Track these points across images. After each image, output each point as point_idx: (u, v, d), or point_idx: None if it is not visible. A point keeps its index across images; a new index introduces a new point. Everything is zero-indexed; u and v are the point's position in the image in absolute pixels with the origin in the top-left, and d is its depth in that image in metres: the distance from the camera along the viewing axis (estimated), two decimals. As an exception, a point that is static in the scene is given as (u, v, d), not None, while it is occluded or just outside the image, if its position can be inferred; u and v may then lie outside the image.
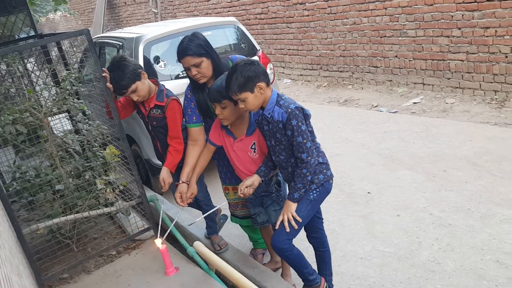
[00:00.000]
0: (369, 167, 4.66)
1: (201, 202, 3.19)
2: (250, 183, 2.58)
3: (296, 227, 2.44)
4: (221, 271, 2.62)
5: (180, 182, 2.78)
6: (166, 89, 3.05)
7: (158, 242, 2.73)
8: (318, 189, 2.49)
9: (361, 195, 4.10)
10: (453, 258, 3.03)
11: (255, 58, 4.97)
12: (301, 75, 8.91)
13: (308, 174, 2.38)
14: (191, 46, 2.67)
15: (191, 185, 2.80)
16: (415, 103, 6.40)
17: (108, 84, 2.88)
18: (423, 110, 6.07)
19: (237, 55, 2.95)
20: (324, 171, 2.50)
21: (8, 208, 2.62)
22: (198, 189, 2.91)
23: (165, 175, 2.89)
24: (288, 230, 2.41)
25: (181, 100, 2.98)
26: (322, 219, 2.77)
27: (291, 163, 2.48)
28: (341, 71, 8.01)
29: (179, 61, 2.75)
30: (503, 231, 3.20)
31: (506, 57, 5.48)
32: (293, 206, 2.44)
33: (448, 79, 6.23)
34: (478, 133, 4.92)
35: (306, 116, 2.39)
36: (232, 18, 5.44)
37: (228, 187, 3.08)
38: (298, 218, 2.42)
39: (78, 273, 3.01)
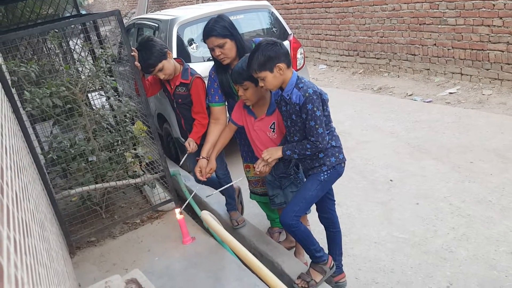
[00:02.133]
0: (394, 155, 4.64)
1: (221, 179, 3.33)
2: (269, 155, 2.61)
3: (265, 171, 2.61)
4: (222, 240, 2.74)
5: (201, 157, 2.93)
6: (191, 68, 3.19)
7: (177, 212, 2.90)
8: (329, 171, 2.55)
9: (383, 182, 4.11)
10: (467, 247, 3.03)
11: (286, 42, 5.02)
12: (337, 61, 8.85)
13: (308, 150, 2.44)
14: (216, 27, 2.77)
15: (210, 160, 2.94)
16: (451, 93, 6.25)
17: (136, 63, 3.05)
18: (458, 100, 5.92)
19: (260, 38, 3.04)
20: (337, 154, 2.55)
21: (42, 174, 2.86)
22: (218, 166, 3.05)
23: (190, 141, 3.09)
24: (267, 170, 2.61)
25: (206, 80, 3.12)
26: (334, 200, 2.84)
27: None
28: (378, 58, 7.89)
29: (204, 42, 2.86)
30: (522, 224, 3.16)
31: (550, 48, 5.25)
32: (278, 152, 2.56)
33: (487, 70, 6.03)
34: (511, 126, 4.78)
35: (323, 101, 2.45)
36: (265, 2, 5.48)
37: (249, 165, 3.20)
38: (271, 163, 2.59)
39: (104, 237, 3.24)
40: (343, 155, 2.60)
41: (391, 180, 4.13)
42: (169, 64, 3.03)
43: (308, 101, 2.36)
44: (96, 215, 3.30)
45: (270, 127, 2.80)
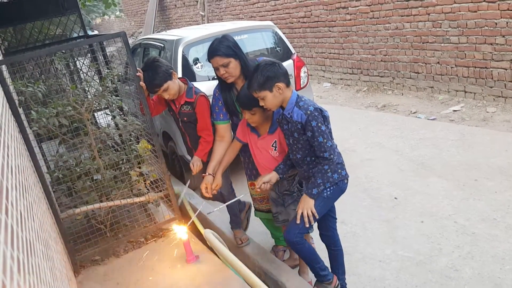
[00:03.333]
0: (399, 173, 4.64)
1: (225, 196, 3.35)
2: (268, 179, 2.71)
3: (313, 222, 2.54)
4: (225, 259, 2.75)
5: (207, 174, 2.96)
6: (195, 87, 3.25)
7: (181, 231, 2.91)
8: (331, 187, 2.56)
9: (387, 200, 4.11)
10: (472, 265, 3.01)
11: (289, 61, 5.08)
12: (341, 79, 8.91)
13: (329, 170, 2.47)
14: (220, 47, 2.83)
15: (216, 177, 2.97)
16: (455, 110, 6.26)
17: (142, 83, 3.10)
18: (462, 118, 5.93)
19: (264, 58, 3.09)
20: (339, 170, 2.57)
21: (48, 193, 2.89)
22: (223, 183, 3.08)
23: (195, 160, 3.13)
24: (307, 225, 2.51)
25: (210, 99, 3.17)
26: (336, 218, 2.84)
27: (307, 162, 2.58)
28: (381, 76, 7.94)
29: (209, 61, 2.92)
30: (527, 242, 3.14)
31: (553, 65, 5.27)
32: (311, 202, 2.51)
33: (491, 87, 6.05)
34: (516, 143, 4.77)
35: (324, 117, 2.48)
36: (269, 22, 5.57)
37: (254, 182, 3.22)
38: (316, 215, 2.51)
39: (108, 256, 3.25)
40: (345, 171, 2.62)
41: (395, 198, 4.12)
42: (174, 84, 3.09)
43: (311, 119, 2.40)
44: (100, 233, 3.31)
45: (272, 145, 2.85)
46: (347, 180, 2.65)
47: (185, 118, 3.24)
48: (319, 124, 2.40)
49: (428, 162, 4.73)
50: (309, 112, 2.41)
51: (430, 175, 4.45)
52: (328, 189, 2.55)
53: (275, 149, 2.85)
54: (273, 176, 2.72)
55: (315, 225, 2.81)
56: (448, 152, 4.88)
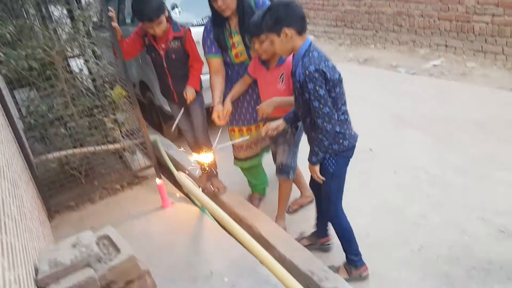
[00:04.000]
0: (378, 126, 4.67)
1: (200, 138, 3.34)
2: (275, 126, 2.61)
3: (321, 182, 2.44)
4: (196, 199, 2.76)
5: (215, 104, 2.93)
6: (175, 21, 3.17)
7: (157, 178, 2.91)
8: (333, 159, 2.37)
9: (363, 152, 4.14)
10: (441, 214, 3.10)
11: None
12: (324, 31, 8.77)
13: (324, 139, 2.23)
14: None
15: (226, 104, 2.93)
16: (435, 65, 6.27)
17: (114, 24, 2.98)
18: (442, 72, 5.94)
19: None
20: (340, 140, 2.31)
21: (18, 137, 2.83)
22: (201, 130, 3.07)
23: (189, 89, 3.13)
24: (320, 181, 2.44)
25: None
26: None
27: (307, 122, 2.38)
28: (365, 29, 7.84)
29: None
30: (496, 192, 3.23)
31: (534, 21, 5.26)
32: (314, 168, 2.39)
33: (471, 41, 6.04)
34: (493, 98, 4.83)
35: (328, 80, 2.15)
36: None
37: (234, 128, 3.22)
38: (321, 178, 2.42)
39: (83, 202, 3.25)
40: (349, 141, 2.34)
41: (370, 150, 4.16)
42: (164, 20, 3.01)
43: (308, 80, 2.13)
44: (75, 181, 3.29)
45: (280, 78, 2.79)
46: (351, 150, 2.40)
47: (173, 55, 3.17)
48: (317, 87, 2.12)
49: (407, 115, 4.77)
50: (307, 72, 2.13)
51: (408, 128, 4.50)
52: (331, 162, 2.37)
53: (282, 82, 2.78)
54: (280, 125, 2.62)
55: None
56: (426, 106, 4.92)
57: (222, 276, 2.43)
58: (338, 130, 2.27)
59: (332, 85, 2.17)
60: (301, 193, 3.50)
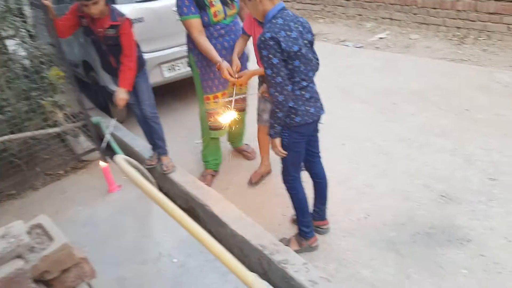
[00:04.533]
0: (325, 99, 4.63)
1: (149, 119, 3.26)
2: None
3: (283, 155, 2.40)
4: (133, 183, 2.69)
5: (221, 62, 2.83)
6: (116, 9, 3.02)
7: (102, 162, 2.81)
8: (286, 133, 2.34)
9: (312, 125, 4.20)
10: (386, 182, 3.21)
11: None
12: (273, 7, 8.71)
13: (278, 110, 2.19)
14: None
15: (234, 60, 2.89)
16: (381, 38, 6.40)
17: (45, 1, 2.81)
18: (387, 45, 6.08)
19: None
20: (292, 116, 2.27)
21: None
22: (147, 103, 3.12)
23: (120, 93, 2.98)
24: (281, 155, 2.39)
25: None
26: (318, 152, 2.77)
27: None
28: (313, 4, 7.86)
29: None
30: (436, 159, 3.38)
31: (471, -8, 5.45)
32: (274, 142, 2.35)
33: (415, 14, 6.19)
34: (434, 68, 5.00)
35: (284, 51, 2.09)
36: None
37: (210, 96, 3.18)
38: (283, 152, 2.38)
39: (25, 190, 3.11)
40: (300, 118, 2.28)
41: (320, 123, 4.21)
42: (103, 1, 2.85)
43: (263, 46, 2.07)
44: (15, 167, 3.13)
45: None
46: (306, 126, 2.35)
47: (110, 42, 3.04)
48: (270, 55, 2.07)
49: (353, 88, 4.86)
50: (263, 38, 2.07)
51: (354, 100, 4.59)
52: (285, 134, 2.34)
53: None
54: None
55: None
56: (372, 78, 5.03)
57: (171, 257, 2.41)
58: (291, 105, 2.23)
59: (288, 56, 2.11)
60: (261, 160, 3.49)
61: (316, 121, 2.44)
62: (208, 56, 2.92)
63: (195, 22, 2.89)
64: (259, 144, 3.42)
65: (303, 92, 2.26)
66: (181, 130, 4.46)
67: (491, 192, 2.95)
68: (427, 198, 2.98)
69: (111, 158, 3.01)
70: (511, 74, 4.62)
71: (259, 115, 3.20)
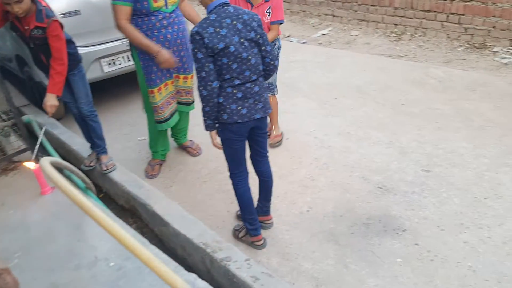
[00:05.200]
0: (269, 94, 4.76)
1: (87, 117, 3.15)
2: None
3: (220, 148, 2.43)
4: (58, 188, 2.59)
5: (156, 53, 2.83)
6: (45, 8, 2.85)
7: (30, 162, 2.67)
8: (219, 128, 2.36)
9: (256, 121, 4.22)
10: (326, 175, 3.28)
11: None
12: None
13: (203, 104, 2.22)
14: None
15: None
16: (323, 34, 6.53)
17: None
18: (330, 41, 6.21)
19: None
20: (221, 112, 2.26)
21: None
22: (84, 101, 3.07)
23: (50, 100, 2.85)
24: (217, 148, 2.43)
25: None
26: (265, 152, 2.65)
27: None
28: None
29: None
30: (373, 151, 3.50)
31: (407, -9, 5.67)
32: (210, 134, 2.37)
33: (355, 11, 6.37)
34: (373, 64, 5.17)
35: (208, 48, 2.11)
36: None
37: (154, 89, 3.09)
38: (217, 146, 2.41)
39: (-51, 195, 2.89)
40: (228, 116, 2.26)
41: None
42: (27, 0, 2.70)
43: (191, 40, 2.13)
44: None
45: (266, 12, 3.09)
46: (236, 125, 2.29)
47: (36, 42, 2.90)
48: (196, 50, 2.12)
49: (296, 83, 4.93)
50: (191, 32, 2.12)
51: (297, 95, 4.65)
52: (219, 130, 2.35)
53: (268, 15, 3.11)
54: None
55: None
56: (314, 74, 5.12)
57: (107, 261, 2.33)
58: (220, 101, 2.23)
59: (212, 52, 2.11)
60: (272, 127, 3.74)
61: (252, 122, 2.33)
62: (143, 46, 2.82)
63: (127, 9, 2.79)
64: None
65: (235, 91, 2.24)
66: (123, 127, 4.33)
67: (425, 183, 3.09)
68: (365, 190, 3.07)
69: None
70: (444, 69, 4.87)
71: None
